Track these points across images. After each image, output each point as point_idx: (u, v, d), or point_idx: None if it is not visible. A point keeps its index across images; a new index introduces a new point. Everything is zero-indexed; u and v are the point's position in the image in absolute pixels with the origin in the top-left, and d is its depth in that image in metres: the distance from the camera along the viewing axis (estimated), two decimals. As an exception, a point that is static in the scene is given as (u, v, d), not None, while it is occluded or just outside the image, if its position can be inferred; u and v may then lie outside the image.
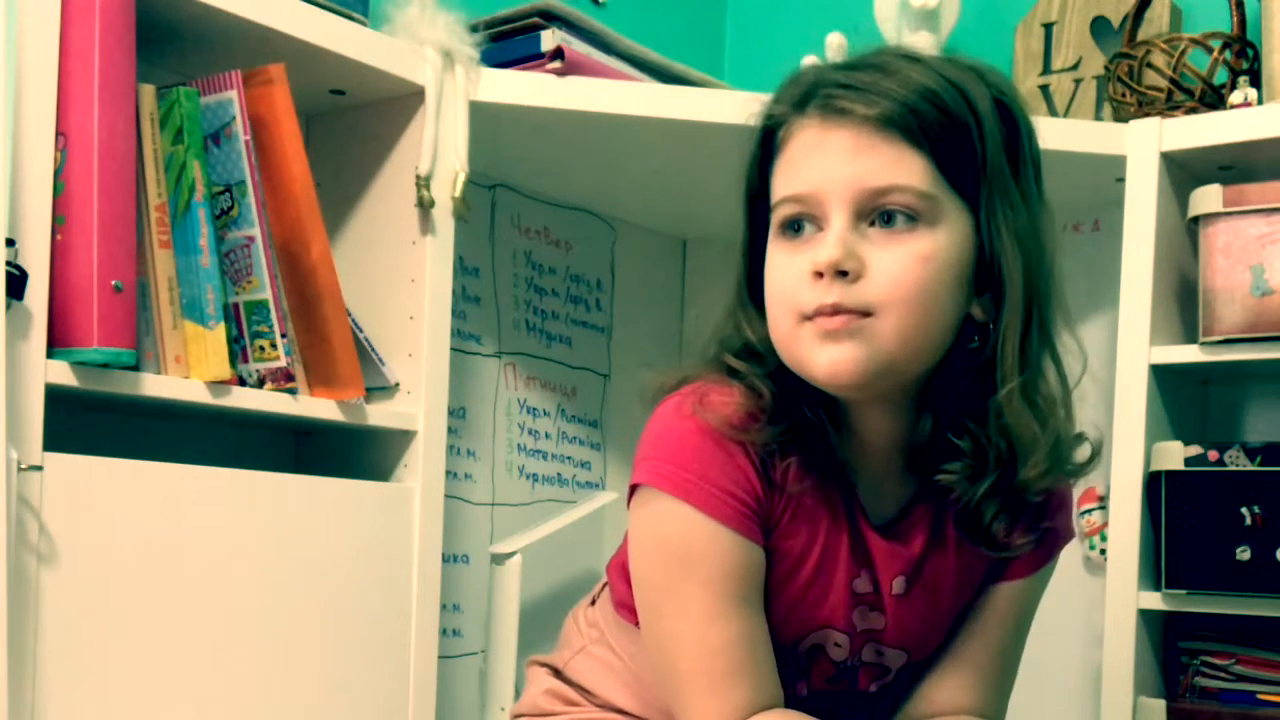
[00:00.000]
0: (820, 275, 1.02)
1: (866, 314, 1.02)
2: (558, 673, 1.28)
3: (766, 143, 1.10)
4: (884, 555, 1.13)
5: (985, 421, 1.06)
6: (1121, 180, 1.79)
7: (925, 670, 1.20)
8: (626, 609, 1.20)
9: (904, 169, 1.02)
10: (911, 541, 1.14)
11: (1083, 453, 1.12)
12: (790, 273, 1.05)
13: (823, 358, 1.03)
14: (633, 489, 1.12)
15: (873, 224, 1.03)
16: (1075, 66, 2.04)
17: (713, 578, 1.07)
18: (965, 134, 1.03)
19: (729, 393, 1.08)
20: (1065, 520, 1.19)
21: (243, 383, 1.45)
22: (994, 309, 1.06)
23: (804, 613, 1.13)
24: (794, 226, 1.06)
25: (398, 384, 1.63)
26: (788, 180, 1.06)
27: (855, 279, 1.02)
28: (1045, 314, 1.07)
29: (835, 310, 1.02)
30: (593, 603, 1.28)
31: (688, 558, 1.07)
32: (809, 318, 1.03)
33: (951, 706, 1.18)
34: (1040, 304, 1.06)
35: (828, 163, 1.03)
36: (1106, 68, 1.91)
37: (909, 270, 1.02)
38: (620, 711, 1.23)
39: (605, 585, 1.26)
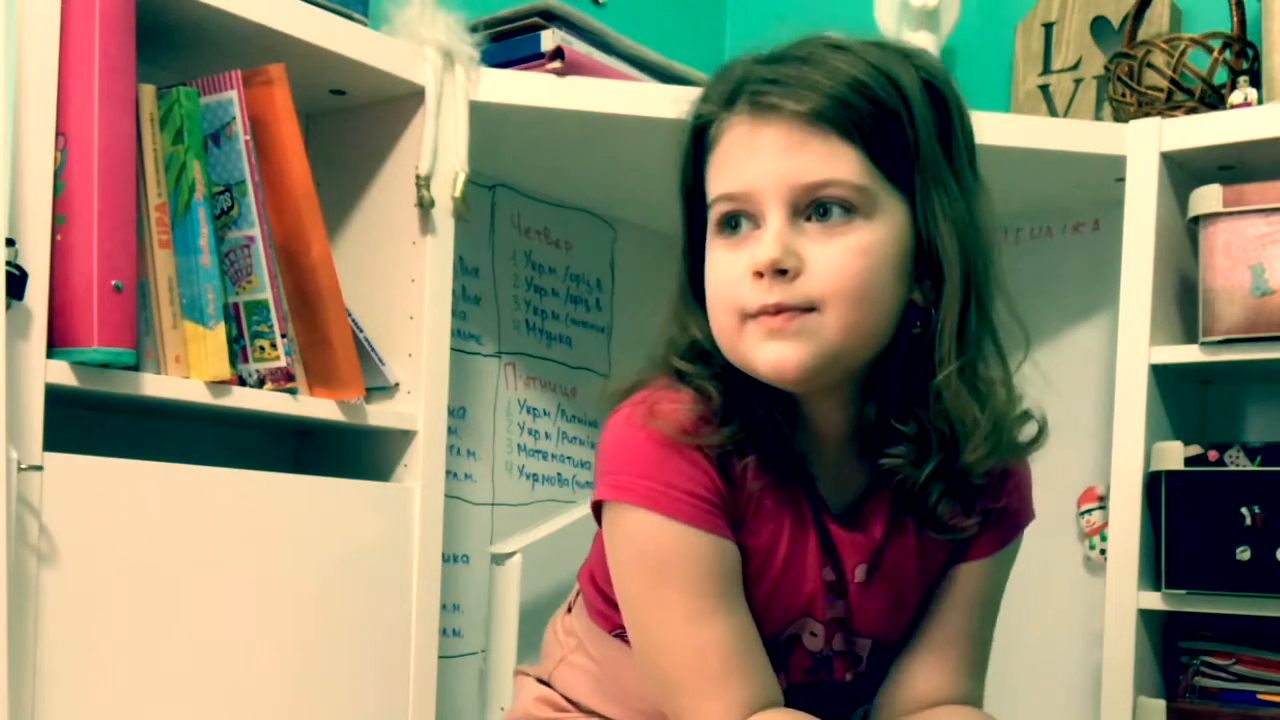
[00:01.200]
0: (760, 275, 1.02)
1: (809, 309, 1.02)
2: (543, 683, 1.28)
3: (698, 140, 1.10)
4: (846, 544, 1.13)
5: (927, 405, 1.07)
6: (1121, 180, 1.79)
7: (897, 657, 1.20)
8: (598, 614, 1.20)
9: (837, 163, 1.02)
10: (871, 528, 1.14)
11: (1028, 431, 1.12)
12: (730, 272, 1.05)
13: (767, 355, 1.03)
14: (598, 505, 1.12)
15: (809, 219, 1.03)
16: (1075, 66, 2.04)
17: (691, 581, 1.07)
18: (896, 123, 1.03)
19: (678, 399, 1.08)
20: (1022, 501, 1.19)
21: (243, 383, 1.45)
22: (934, 294, 1.06)
23: (781, 606, 1.13)
24: (731, 224, 1.06)
25: (398, 384, 1.63)
26: (722, 179, 1.06)
27: (795, 276, 1.02)
28: (984, 297, 1.07)
29: (778, 309, 1.02)
30: (569, 610, 1.28)
31: (663, 565, 1.07)
32: (752, 316, 1.03)
33: (931, 692, 1.18)
34: (979, 287, 1.06)
35: (760, 160, 1.03)
36: (1106, 68, 1.91)
37: (849, 264, 1.02)
38: (604, 719, 1.23)
39: (578, 593, 1.26)
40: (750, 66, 1.07)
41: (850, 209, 1.02)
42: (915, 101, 1.04)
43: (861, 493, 1.15)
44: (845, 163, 1.02)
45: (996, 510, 1.15)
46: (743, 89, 1.05)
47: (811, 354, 1.02)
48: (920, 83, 1.05)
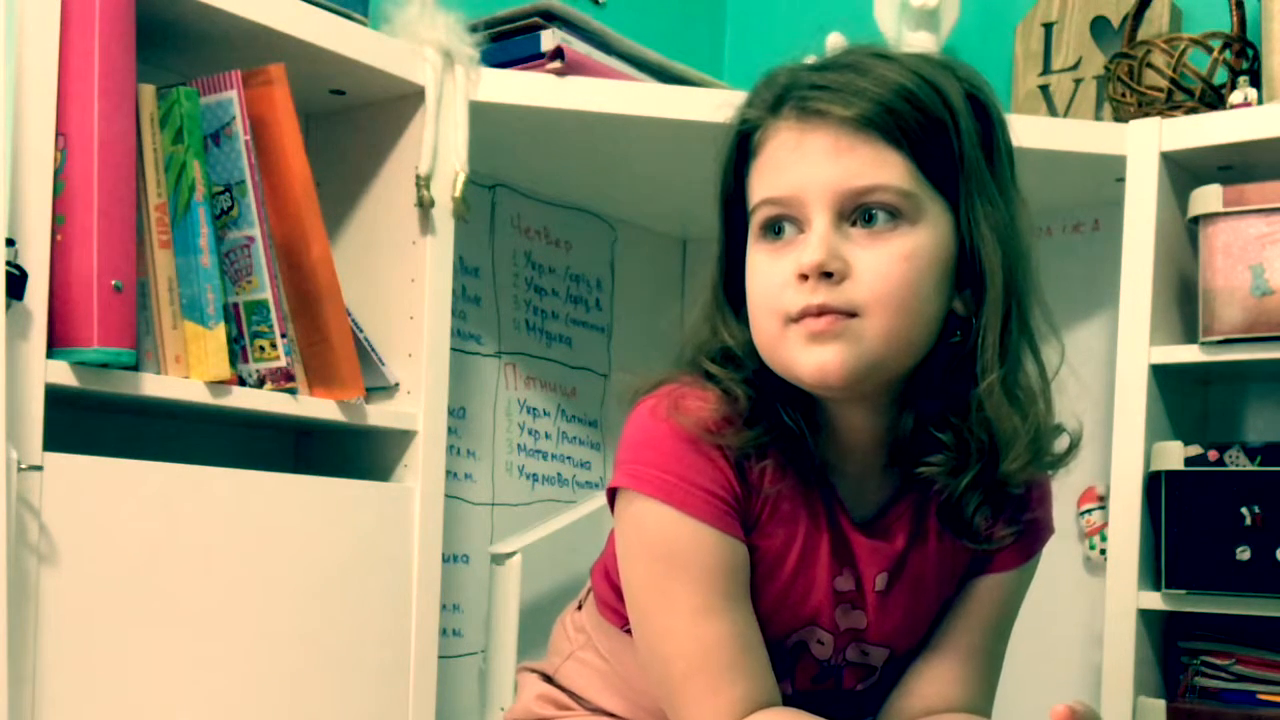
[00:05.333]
0: (805, 277, 1.02)
1: (852, 314, 1.02)
2: (548, 679, 1.28)
3: (741, 146, 1.09)
4: (866, 553, 1.13)
5: (966, 414, 1.07)
6: (1121, 180, 1.79)
7: (910, 665, 1.20)
8: (610, 609, 1.20)
9: (884, 168, 1.02)
10: (894, 538, 1.14)
11: (1061, 444, 1.12)
12: (773, 275, 1.05)
13: (810, 359, 1.03)
14: (613, 492, 1.12)
15: (854, 224, 1.03)
16: (1075, 66, 2.04)
17: (700, 577, 1.07)
18: (942, 131, 1.03)
19: (704, 396, 1.08)
20: (1046, 514, 1.20)
21: (243, 383, 1.45)
22: (975, 304, 1.06)
23: (787, 613, 1.13)
24: (774, 229, 1.06)
25: (398, 384, 1.63)
26: (767, 183, 1.06)
27: (840, 280, 1.02)
28: (1024, 307, 1.07)
29: (821, 311, 1.02)
30: (579, 607, 1.28)
31: (673, 558, 1.07)
32: (794, 320, 1.03)
33: (941, 701, 1.18)
34: (1019, 297, 1.06)
35: (807, 164, 1.03)
36: (1106, 68, 1.91)
37: (893, 269, 1.02)
38: (610, 715, 1.23)
39: (590, 589, 1.26)
40: (797, 73, 1.07)
41: (896, 215, 1.02)
42: (960, 111, 1.04)
43: (885, 502, 1.14)
44: (892, 168, 1.02)
45: (1028, 520, 1.15)
46: (789, 95, 1.05)
47: (854, 358, 1.02)
48: (964, 94, 1.05)
